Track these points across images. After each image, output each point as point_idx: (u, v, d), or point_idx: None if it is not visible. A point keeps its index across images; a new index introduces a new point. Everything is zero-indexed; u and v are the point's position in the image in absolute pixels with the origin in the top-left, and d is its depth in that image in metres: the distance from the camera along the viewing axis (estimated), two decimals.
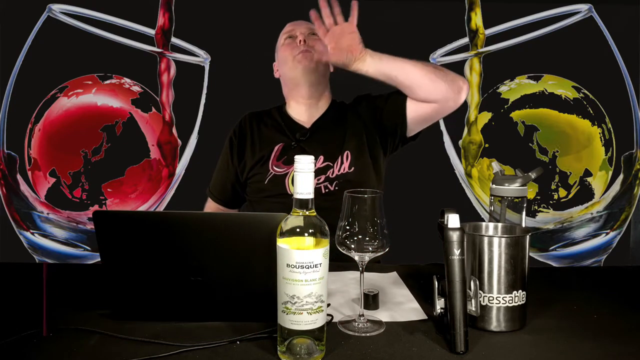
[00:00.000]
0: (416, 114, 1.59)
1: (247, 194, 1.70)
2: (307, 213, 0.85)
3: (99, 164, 2.62)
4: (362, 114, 1.68)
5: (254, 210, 1.65)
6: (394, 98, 1.62)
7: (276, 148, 1.64)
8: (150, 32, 2.63)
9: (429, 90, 1.53)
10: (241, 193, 1.73)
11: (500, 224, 1.07)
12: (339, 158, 1.60)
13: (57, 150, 2.62)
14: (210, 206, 1.76)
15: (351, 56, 1.49)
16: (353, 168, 1.59)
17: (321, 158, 1.60)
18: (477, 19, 2.66)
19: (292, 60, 1.63)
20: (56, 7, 2.61)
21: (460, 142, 2.69)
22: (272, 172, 1.61)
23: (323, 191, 1.57)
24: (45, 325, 0.94)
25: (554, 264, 2.68)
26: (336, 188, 1.56)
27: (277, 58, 1.74)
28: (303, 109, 1.70)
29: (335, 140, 1.63)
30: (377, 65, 1.51)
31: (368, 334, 0.95)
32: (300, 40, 1.64)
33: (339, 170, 1.59)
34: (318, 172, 1.59)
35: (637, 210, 2.71)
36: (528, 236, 0.98)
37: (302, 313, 0.83)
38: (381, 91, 1.68)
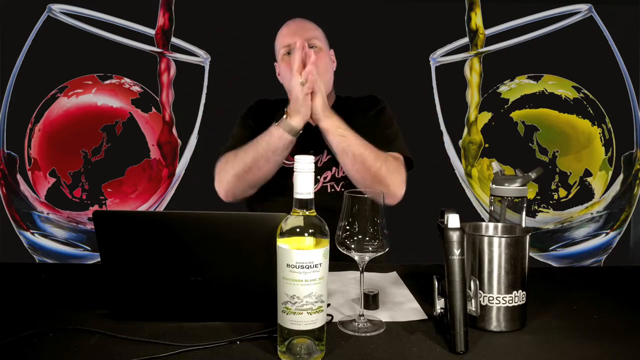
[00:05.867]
0: None
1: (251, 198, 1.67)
2: (307, 213, 0.85)
3: (99, 164, 2.62)
4: (370, 118, 1.66)
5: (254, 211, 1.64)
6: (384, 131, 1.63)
7: None
8: (150, 32, 2.64)
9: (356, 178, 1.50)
10: None
11: (500, 224, 1.07)
12: None
13: (57, 150, 2.63)
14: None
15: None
16: None
17: (325, 152, 1.59)
18: (477, 19, 2.66)
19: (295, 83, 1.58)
20: (56, 7, 2.61)
21: (460, 142, 2.69)
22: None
23: (329, 190, 1.58)
24: None
25: (554, 264, 2.68)
26: (342, 189, 1.55)
27: (278, 65, 1.69)
28: None
29: None
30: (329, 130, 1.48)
31: (368, 334, 0.95)
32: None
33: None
34: (324, 168, 1.59)
35: (637, 210, 2.72)
36: (528, 236, 0.98)
37: (302, 313, 0.83)
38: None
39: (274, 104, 1.73)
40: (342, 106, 1.70)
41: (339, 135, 1.47)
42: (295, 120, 1.45)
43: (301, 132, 1.50)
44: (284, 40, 1.64)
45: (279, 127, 1.46)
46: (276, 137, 1.46)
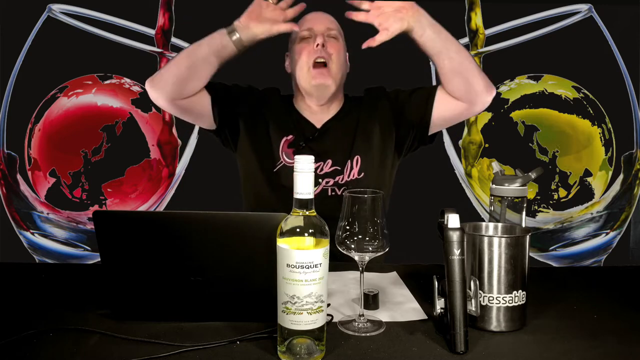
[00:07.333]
0: (443, 111, 1.56)
1: (248, 189, 1.65)
2: (307, 213, 0.85)
3: (99, 164, 2.62)
4: (379, 112, 1.62)
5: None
6: (420, 92, 1.60)
7: (286, 138, 1.58)
8: (150, 32, 2.63)
9: (469, 83, 1.48)
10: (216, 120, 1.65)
11: (500, 224, 1.07)
12: (348, 163, 1.55)
13: (57, 150, 2.63)
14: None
15: (402, 15, 1.44)
16: (363, 174, 1.55)
17: (329, 162, 1.55)
18: (477, 19, 2.66)
19: (307, 71, 1.55)
20: (56, 7, 2.61)
21: (460, 142, 2.69)
22: (282, 162, 1.56)
23: (330, 193, 1.53)
24: None
25: (554, 264, 2.68)
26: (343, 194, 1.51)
27: (291, 53, 1.64)
28: (314, 109, 1.62)
29: (345, 143, 1.57)
30: (432, 31, 1.48)
31: (368, 334, 0.95)
32: (318, 45, 1.54)
33: (348, 176, 1.55)
34: (326, 176, 1.54)
35: (637, 210, 2.71)
36: (528, 236, 0.98)
37: (302, 313, 0.83)
38: (393, 84, 1.65)
39: (275, 95, 1.70)
40: (354, 103, 1.67)
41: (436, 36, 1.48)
42: (249, 27, 1.44)
43: (310, 137, 1.53)
44: (305, 24, 1.60)
45: (224, 34, 1.45)
46: (219, 44, 1.46)
